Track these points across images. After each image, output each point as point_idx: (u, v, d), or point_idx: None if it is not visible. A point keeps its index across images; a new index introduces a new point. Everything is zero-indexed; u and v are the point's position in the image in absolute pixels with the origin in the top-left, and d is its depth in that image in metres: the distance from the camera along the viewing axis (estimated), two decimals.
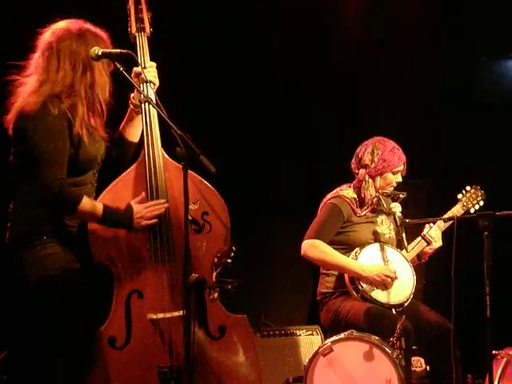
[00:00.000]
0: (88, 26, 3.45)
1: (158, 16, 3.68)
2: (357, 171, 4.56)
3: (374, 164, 4.48)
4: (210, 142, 3.76)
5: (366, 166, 4.51)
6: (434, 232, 4.55)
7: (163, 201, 3.46)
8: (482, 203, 4.67)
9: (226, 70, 5.40)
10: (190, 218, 3.17)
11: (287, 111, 5.59)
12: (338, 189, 4.61)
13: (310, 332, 5.03)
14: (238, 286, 4.01)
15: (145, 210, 3.41)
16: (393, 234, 4.60)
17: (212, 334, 3.47)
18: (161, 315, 3.42)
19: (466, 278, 4.13)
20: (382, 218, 4.59)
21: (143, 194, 3.46)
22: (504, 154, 5.96)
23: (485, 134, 5.89)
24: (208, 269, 3.51)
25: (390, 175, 4.51)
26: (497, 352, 4.33)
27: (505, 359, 4.28)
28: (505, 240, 5.02)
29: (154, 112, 3.49)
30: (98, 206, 3.37)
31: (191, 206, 3.43)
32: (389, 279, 4.33)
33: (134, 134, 3.60)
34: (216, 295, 3.90)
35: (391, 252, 4.47)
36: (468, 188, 4.70)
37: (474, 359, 4.20)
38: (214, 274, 4.42)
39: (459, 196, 4.68)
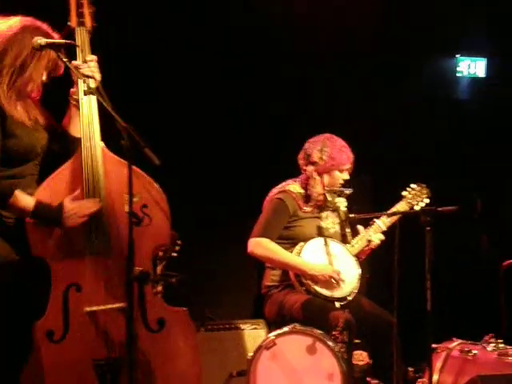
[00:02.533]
0: (30, 18, 3.40)
1: (103, 10, 3.64)
2: (305, 167, 4.58)
3: (322, 162, 4.51)
4: (155, 134, 3.74)
5: (314, 163, 4.53)
6: (374, 229, 4.59)
7: (97, 200, 3.43)
8: (426, 201, 4.71)
9: (174, 61, 5.36)
10: (128, 210, 3.15)
11: (235, 105, 5.59)
12: (285, 183, 4.63)
13: (255, 326, 5.04)
14: (182, 280, 4.01)
15: (77, 208, 3.37)
16: (337, 228, 4.63)
17: (151, 327, 3.44)
18: (97, 308, 3.40)
19: (408, 273, 4.18)
20: (326, 213, 4.62)
21: (78, 190, 3.42)
22: (448, 150, 6.06)
23: (429, 130, 5.98)
24: (148, 262, 3.49)
25: (337, 173, 4.54)
26: (437, 346, 4.39)
27: (444, 353, 4.33)
28: (447, 235, 5.13)
29: (93, 105, 3.46)
30: (30, 202, 3.33)
31: None
32: (333, 280, 4.37)
33: (76, 129, 3.54)
34: (160, 288, 3.90)
35: (335, 246, 4.50)
36: (413, 185, 4.75)
37: (416, 353, 4.25)
38: (159, 267, 4.42)
39: (404, 193, 4.72)
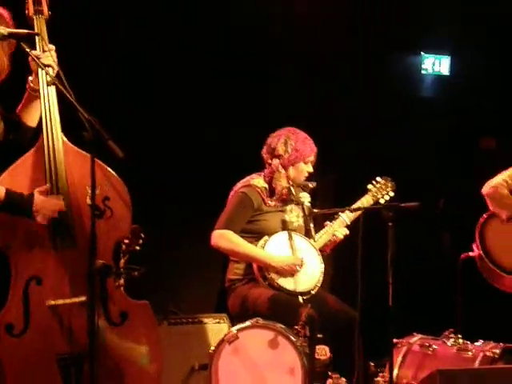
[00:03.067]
0: None
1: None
2: (270, 161, 4.59)
3: (287, 154, 4.53)
4: (119, 128, 3.72)
5: (279, 156, 4.55)
6: (338, 224, 4.62)
7: (61, 197, 3.40)
8: (391, 194, 4.74)
9: (135, 54, 5.33)
10: (90, 203, 3.14)
11: (197, 100, 5.57)
12: (249, 177, 4.64)
13: (218, 320, 5.04)
14: (145, 273, 3.99)
15: (47, 204, 3.35)
16: (301, 222, 4.65)
17: (113, 320, 3.43)
18: (60, 301, 3.38)
19: (371, 268, 4.20)
20: (291, 206, 4.64)
21: (48, 185, 3.40)
22: (412, 147, 6.10)
23: (393, 127, 6.02)
24: (110, 254, 3.48)
25: (302, 165, 4.57)
26: (398, 340, 4.44)
27: (405, 347, 4.37)
28: (410, 231, 5.17)
29: (54, 95, 3.44)
30: (1, 190, 3.30)
31: None
32: (297, 267, 4.38)
33: (31, 118, 3.52)
34: (122, 282, 3.87)
35: (299, 240, 4.52)
36: (378, 179, 4.78)
37: (378, 348, 4.28)
38: (122, 260, 4.39)
39: (369, 186, 4.75)
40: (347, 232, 4.62)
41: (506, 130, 6.11)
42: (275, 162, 4.56)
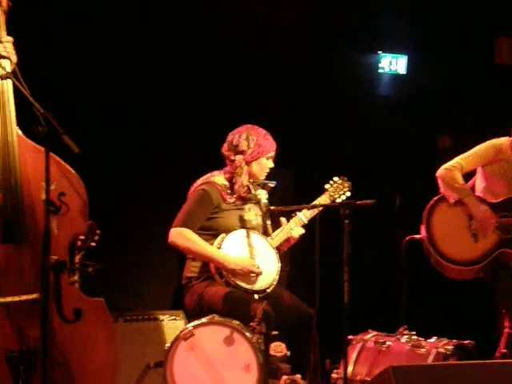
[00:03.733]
0: None
1: None
2: (233, 158, 4.58)
3: (250, 150, 4.54)
4: (75, 123, 3.69)
5: (242, 152, 4.55)
6: (295, 222, 4.64)
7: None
8: (348, 194, 4.76)
9: (91, 47, 5.30)
10: (45, 198, 3.11)
11: (155, 96, 5.56)
12: (210, 174, 4.63)
13: (174, 317, 5.04)
14: (100, 270, 3.97)
15: None
16: (259, 220, 4.65)
17: (66, 318, 3.40)
18: (9, 299, 3.33)
19: (328, 266, 4.22)
20: (249, 205, 4.64)
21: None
22: (369, 146, 6.15)
23: (351, 126, 6.06)
24: (65, 251, 3.44)
25: (264, 160, 4.58)
26: (352, 337, 4.47)
27: (360, 344, 4.41)
28: (366, 229, 5.21)
29: (8, 89, 3.39)
30: None
31: None
32: (253, 274, 4.39)
33: None
34: (76, 278, 3.85)
35: (256, 238, 4.52)
36: (335, 178, 4.79)
37: (334, 345, 4.31)
38: (78, 257, 4.36)
39: (326, 186, 4.77)
40: (303, 231, 4.63)
41: (461, 129, 6.20)
42: (238, 158, 4.56)
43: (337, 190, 4.75)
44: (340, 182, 4.79)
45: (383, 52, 6.38)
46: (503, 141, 4.83)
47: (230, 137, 4.63)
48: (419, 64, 6.40)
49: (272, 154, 4.61)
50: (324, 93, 6.01)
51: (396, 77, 6.42)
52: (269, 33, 5.78)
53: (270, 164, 4.62)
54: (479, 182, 4.88)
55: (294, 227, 4.62)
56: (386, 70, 6.38)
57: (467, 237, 4.76)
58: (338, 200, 4.72)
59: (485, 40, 6.34)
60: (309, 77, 5.95)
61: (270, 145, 4.59)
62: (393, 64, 6.38)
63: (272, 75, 5.83)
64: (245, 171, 4.57)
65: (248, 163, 4.57)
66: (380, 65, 6.38)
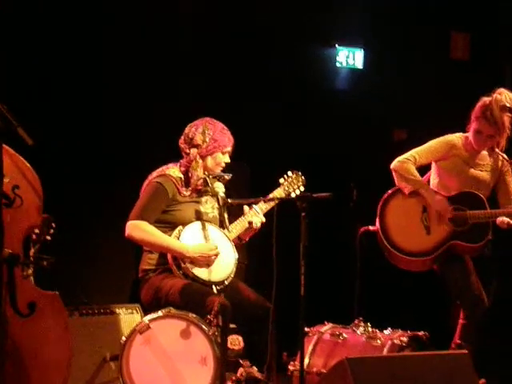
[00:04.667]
0: None
1: None
2: (188, 151, 4.58)
3: (205, 144, 4.53)
4: (31, 115, 3.66)
5: (197, 146, 4.54)
6: (253, 213, 4.65)
7: None
8: (302, 188, 4.79)
9: (51, 40, 5.25)
10: None
11: (113, 89, 5.53)
12: (164, 167, 4.61)
13: (131, 311, 5.02)
14: (56, 263, 3.93)
15: None
16: (216, 213, 4.65)
17: (20, 311, 3.37)
18: None
19: (285, 258, 4.24)
20: (206, 197, 4.64)
21: None
22: (326, 140, 6.18)
23: (308, 120, 6.08)
24: (19, 244, 3.41)
25: (219, 155, 4.57)
26: (309, 329, 4.49)
27: (316, 336, 4.44)
28: (323, 223, 5.24)
29: None
30: None
31: None
32: (212, 256, 4.39)
33: None
34: (30, 271, 3.81)
35: (213, 230, 4.52)
36: (290, 173, 4.81)
37: (292, 337, 4.33)
38: (33, 250, 4.32)
39: (281, 180, 4.78)
40: (263, 220, 4.64)
41: (416, 122, 6.26)
42: (193, 151, 4.55)
43: (291, 185, 4.78)
44: (294, 176, 4.81)
45: (340, 46, 6.39)
46: (457, 137, 4.89)
47: (186, 129, 4.62)
48: (376, 58, 6.44)
49: (228, 149, 4.59)
50: (282, 86, 6.02)
51: (353, 71, 6.45)
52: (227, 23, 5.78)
53: (226, 159, 4.61)
54: (433, 178, 4.95)
55: (250, 218, 4.63)
56: (344, 64, 6.41)
57: (420, 229, 4.83)
58: (293, 194, 4.74)
59: (441, 35, 6.42)
60: (266, 71, 5.96)
61: (226, 140, 4.57)
62: (350, 58, 6.40)
63: (231, 68, 5.82)
64: (200, 165, 4.55)
65: (203, 157, 4.56)
66: (337, 59, 6.39)
